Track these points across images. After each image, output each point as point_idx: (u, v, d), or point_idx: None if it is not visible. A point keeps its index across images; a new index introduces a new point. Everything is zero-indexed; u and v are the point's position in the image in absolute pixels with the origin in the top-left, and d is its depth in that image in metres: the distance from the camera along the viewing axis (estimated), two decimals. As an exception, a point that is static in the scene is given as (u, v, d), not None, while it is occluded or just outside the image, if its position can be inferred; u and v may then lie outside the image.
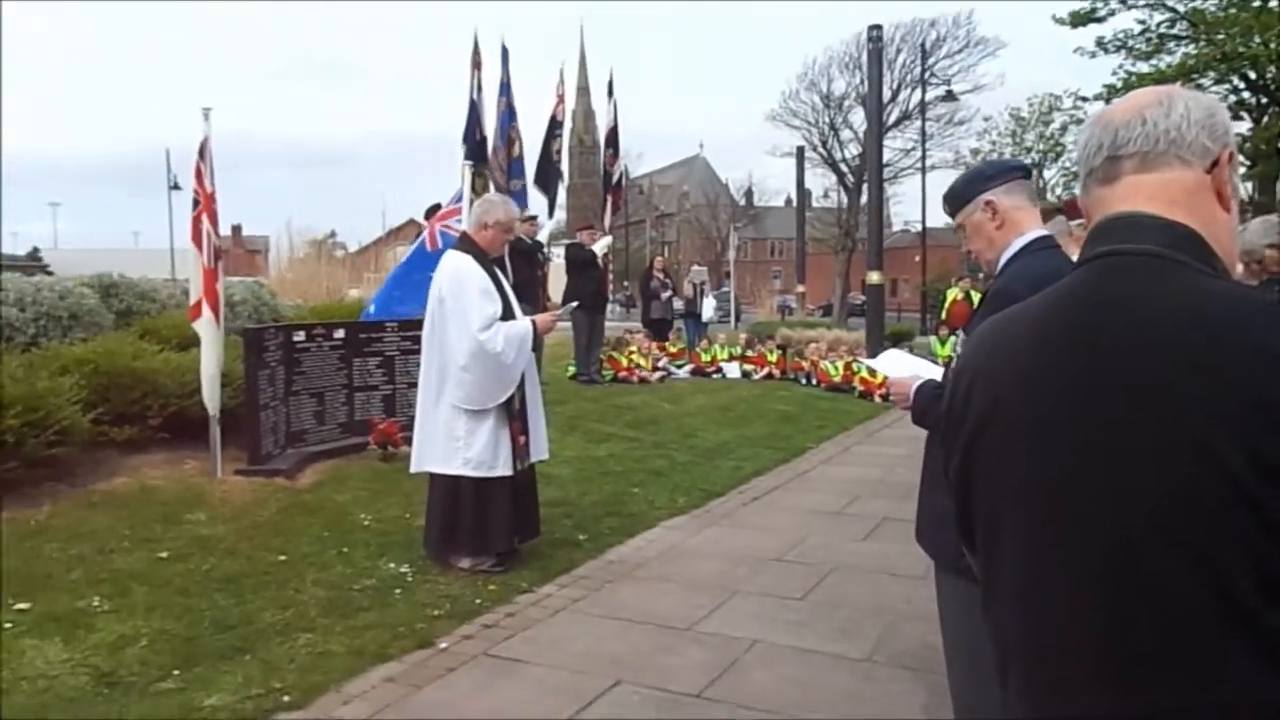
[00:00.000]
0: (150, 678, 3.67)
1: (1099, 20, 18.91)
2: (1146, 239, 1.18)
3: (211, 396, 6.26)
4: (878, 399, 11.93)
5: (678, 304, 15.96)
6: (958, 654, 2.66)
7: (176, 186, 40.34)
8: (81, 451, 5.89)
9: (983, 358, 1.34)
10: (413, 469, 5.27)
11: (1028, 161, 34.81)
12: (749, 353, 14.77)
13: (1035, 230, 2.56)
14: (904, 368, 2.89)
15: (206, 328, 6.31)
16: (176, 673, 3.72)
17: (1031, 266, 2.48)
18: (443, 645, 4.12)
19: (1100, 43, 19.22)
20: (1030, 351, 1.23)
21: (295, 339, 7.38)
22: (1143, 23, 18.73)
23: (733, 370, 14.19)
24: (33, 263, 35.93)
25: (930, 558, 2.70)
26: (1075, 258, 3.34)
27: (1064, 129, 34.69)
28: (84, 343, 6.87)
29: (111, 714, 3.39)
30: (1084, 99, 23.88)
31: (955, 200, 2.66)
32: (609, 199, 14.68)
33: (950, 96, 31.02)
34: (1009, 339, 1.30)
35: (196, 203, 6.47)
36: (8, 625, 4.03)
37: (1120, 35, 18.97)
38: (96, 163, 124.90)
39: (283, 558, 5.07)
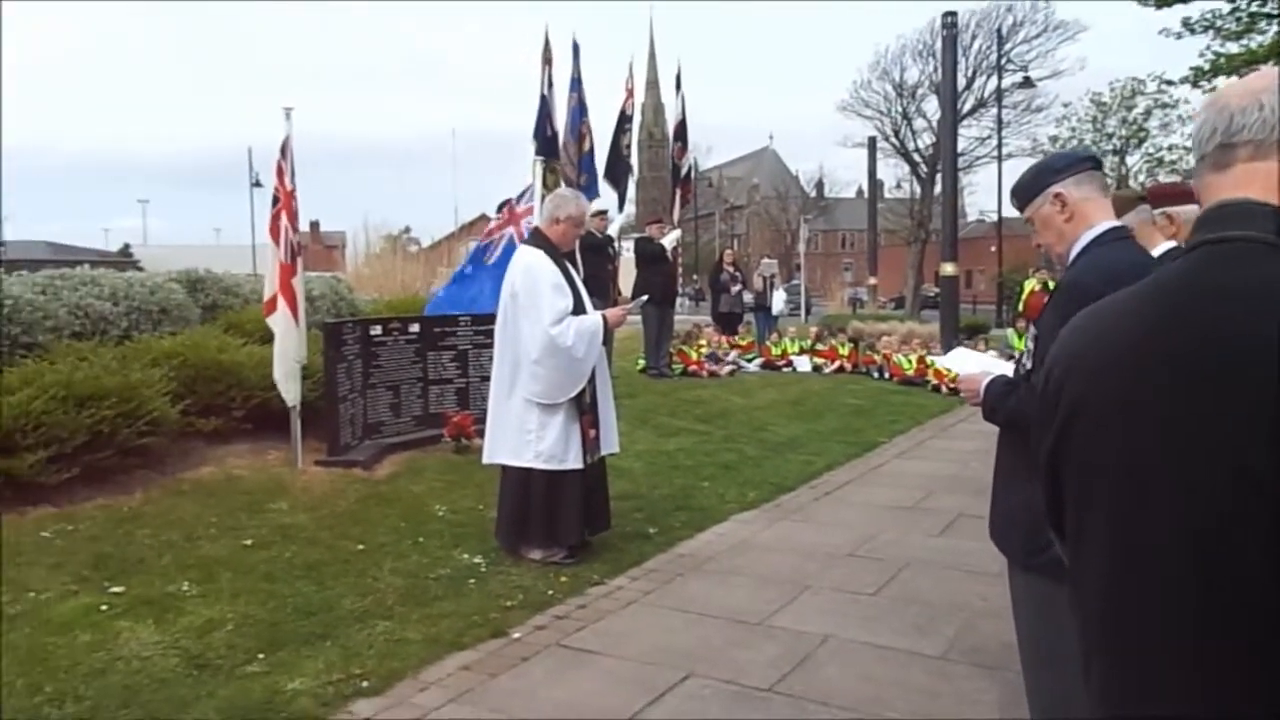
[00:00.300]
0: (236, 661, 3.80)
1: (1185, 0, 18.25)
2: (1257, 226, 1.15)
3: (287, 390, 6.43)
4: (944, 390, 11.76)
5: (747, 297, 15.88)
6: (1032, 652, 2.62)
7: (258, 184, 41.54)
8: (170, 441, 6.12)
9: (1079, 343, 1.32)
10: (485, 460, 5.36)
11: (1110, 148, 34.00)
12: (819, 346, 14.64)
13: (1106, 221, 2.51)
14: (974, 364, 2.85)
15: (281, 322, 6.47)
16: (261, 656, 3.84)
17: (1104, 257, 2.44)
18: (516, 635, 4.19)
19: (1187, 23, 18.52)
20: (1131, 337, 1.21)
21: (372, 333, 7.54)
22: (1232, 1, 18.01)
23: (803, 364, 14.07)
24: (124, 259, 37.30)
25: (1003, 555, 2.66)
26: (1159, 247, 3.27)
27: (1148, 113, 33.69)
28: (173, 336, 7.12)
29: (201, 695, 3.52)
30: (1169, 82, 23.20)
31: (1024, 194, 2.62)
32: (677, 192, 14.66)
33: (1028, 83, 30.18)
34: (1108, 325, 1.28)
35: (276, 200, 6.65)
36: (103, 608, 4.21)
37: (1208, 15, 18.27)
38: (182, 161, 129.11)
39: (361, 547, 5.20)
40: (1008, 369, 2.77)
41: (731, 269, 15.60)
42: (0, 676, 3.53)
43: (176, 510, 5.53)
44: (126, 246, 55.35)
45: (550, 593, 4.70)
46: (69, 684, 3.53)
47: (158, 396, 5.88)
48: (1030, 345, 2.57)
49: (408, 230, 21.34)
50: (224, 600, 4.37)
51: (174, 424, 6.04)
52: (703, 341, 13.66)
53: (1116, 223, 2.54)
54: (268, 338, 7.34)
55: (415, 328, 7.91)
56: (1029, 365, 2.52)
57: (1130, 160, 34.95)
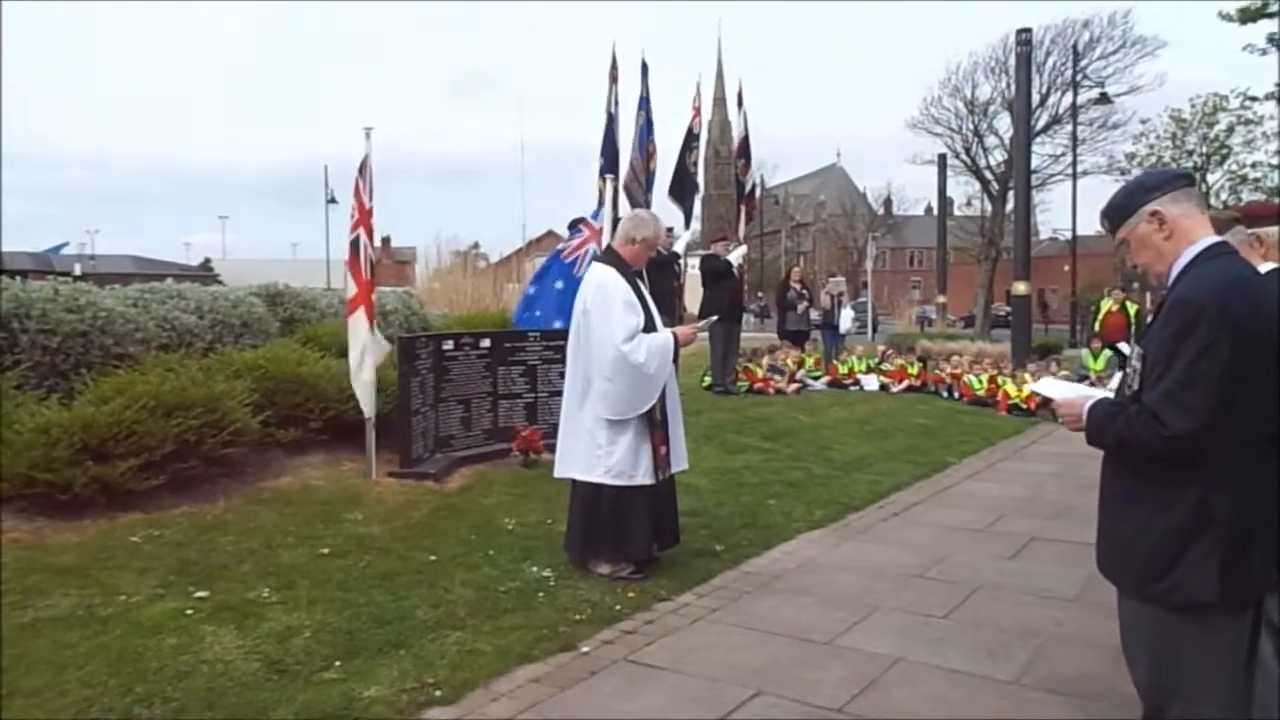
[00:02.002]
0: (314, 667, 3.90)
1: (1270, 15, 17.72)
2: None
3: (366, 397, 6.59)
4: (1006, 413, 11.59)
5: (814, 315, 15.79)
6: (1152, 684, 2.51)
7: (333, 200, 42.62)
8: (251, 451, 6.32)
9: None
10: (556, 474, 5.42)
11: (1190, 165, 33.06)
12: (885, 365, 14.48)
13: (1208, 237, 2.46)
14: (1067, 389, 2.81)
15: (361, 331, 6.62)
16: (338, 663, 3.93)
17: (1212, 271, 2.39)
18: (584, 649, 4.22)
19: (1272, 39, 17.98)
20: None
21: (445, 347, 7.69)
22: (1320, 18, 17.51)
23: (870, 383, 13.94)
24: (205, 273, 38.53)
25: (1112, 583, 2.59)
26: (1260, 267, 3.18)
27: (1230, 130, 32.58)
28: (254, 349, 7.36)
29: (281, 700, 3.61)
30: (1253, 98, 22.50)
31: (1117, 214, 2.57)
32: (742, 209, 14.70)
33: (1104, 99, 29.55)
34: None
35: (354, 217, 6.83)
36: (189, 611, 4.35)
37: (1294, 31, 17.76)
38: (259, 177, 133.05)
39: (433, 558, 5.29)
40: (1106, 393, 2.71)
41: (799, 286, 15.53)
42: (0, 678, 3.68)
43: (257, 518, 5.70)
44: (207, 261, 57.23)
45: (618, 608, 4.73)
46: (157, 685, 3.65)
47: (240, 408, 6.08)
48: (1137, 364, 2.50)
49: (476, 246, 21.67)
50: (302, 607, 4.49)
51: (255, 434, 6.23)
52: (767, 358, 13.61)
53: (1219, 238, 2.49)
54: (343, 351, 7.53)
55: (486, 343, 8.04)
56: (1136, 386, 2.46)
57: (1212, 178, 33.84)
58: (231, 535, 5.39)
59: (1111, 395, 2.63)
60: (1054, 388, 2.89)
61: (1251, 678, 2.54)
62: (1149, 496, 2.42)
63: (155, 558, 4.96)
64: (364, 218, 6.80)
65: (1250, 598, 2.42)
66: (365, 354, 6.59)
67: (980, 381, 13.17)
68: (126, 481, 5.35)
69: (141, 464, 5.41)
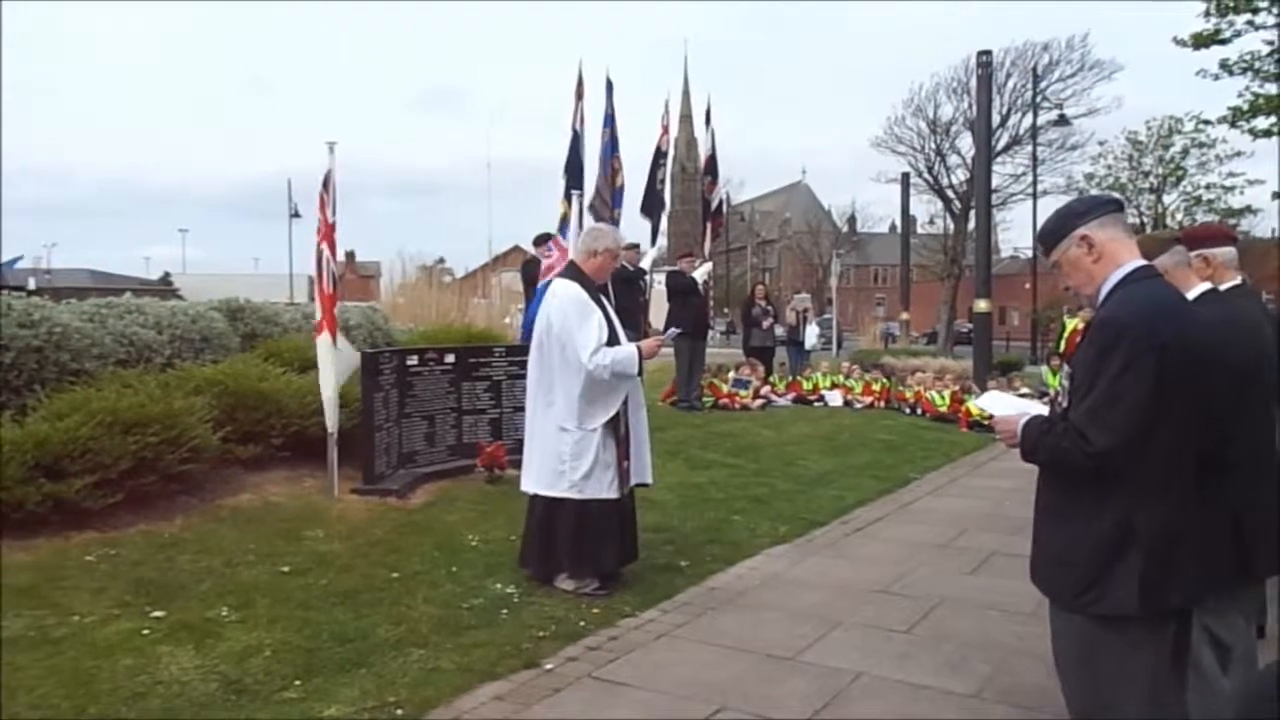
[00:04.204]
0: (274, 687, 3.85)
1: (1223, 42, 18.15)
2: None
3: (329, 413, 6.54)
4: (967, 429, 11.75)
5: (780, 331, 15.87)
6: (1077, 695, 2.60)
7: (297, 214, 42.29)
8: (211, 468, 6.23)
9: None
10: (523, 488, 5.40)
11: (1146, 186, 33.75)
12: (849, 381, 14.58)
13: (1134, 261, 2.56)
14: (1008, 405, 2.87)
15: (325, 347, 6.59)
16: (298, 683, 3.88)
17: (1136, 294, 2.49)
18: (548, 666, 4.20)
19: (1224, 64, 18.41)
20: None
21: (409, 363, 7.64)
22: (1271, 43, 17.92)
23: (834, 398, 14.04)
24: (165, 287, 37.98)
25: (1046, 596, 2.66)
26: (1195, 289, 3.30)
27: (1185, 152, 33.42)
28: (214, 364, 7.26)
29: None
30: (1206, 121, 23.04)
31: (1050, 237, 2.68)
32: (708, 226, 14.77)
33: (1063, 121, 30.05)
34: None
35: (319, 231, 6.80)
36: (145, 631, 4.28)
37: (1247, 56, 18.17)
38: (221, 191, 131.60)
39: (395, 575, 5.25)
40: (1042, 409, 2.78)
41: (764, 303, 15.62)
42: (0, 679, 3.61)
43: (216, 536, 5.62)
44: (167, 275, 56.40)
45: (582, 624, 4.72)
46: (111, 707, 3.59)
47: (199, 424, 6.00)
48: (1066, 383, 2.59)
49: (442, 261, 21.60)
50: (262, 626, 4.42)
51: (214, 451, 6.15)
52: (732, 373, 13.66)
53: (1144, 262, 2.58)
54: (306, 366, 7.48)
55: (450, 358, 8.00)
56: (1065, 403, 2.54)
57: (1168, 199, 34.66)
58: (190, 554, 5.31)
59: (1045, 413, 2.70)
60: (996, 404, 2.94)
61: (1177, 689, 2.60)
62: (1078, 511, 2.50)
63: (111, 577, 4.87)
64: (327, 231, 6.77)
65: (1169, 610, 2.50)
66: (331, 367, 6.54)
67: (942, 398, 13.32)
68: (82, 499, 5.24)
69: (97, 481, 5.31)
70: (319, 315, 6.71)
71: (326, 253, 6.76)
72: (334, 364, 6.57)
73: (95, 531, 5.37)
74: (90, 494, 5.28)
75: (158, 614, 4.48)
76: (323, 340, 6.61)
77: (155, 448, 5.60)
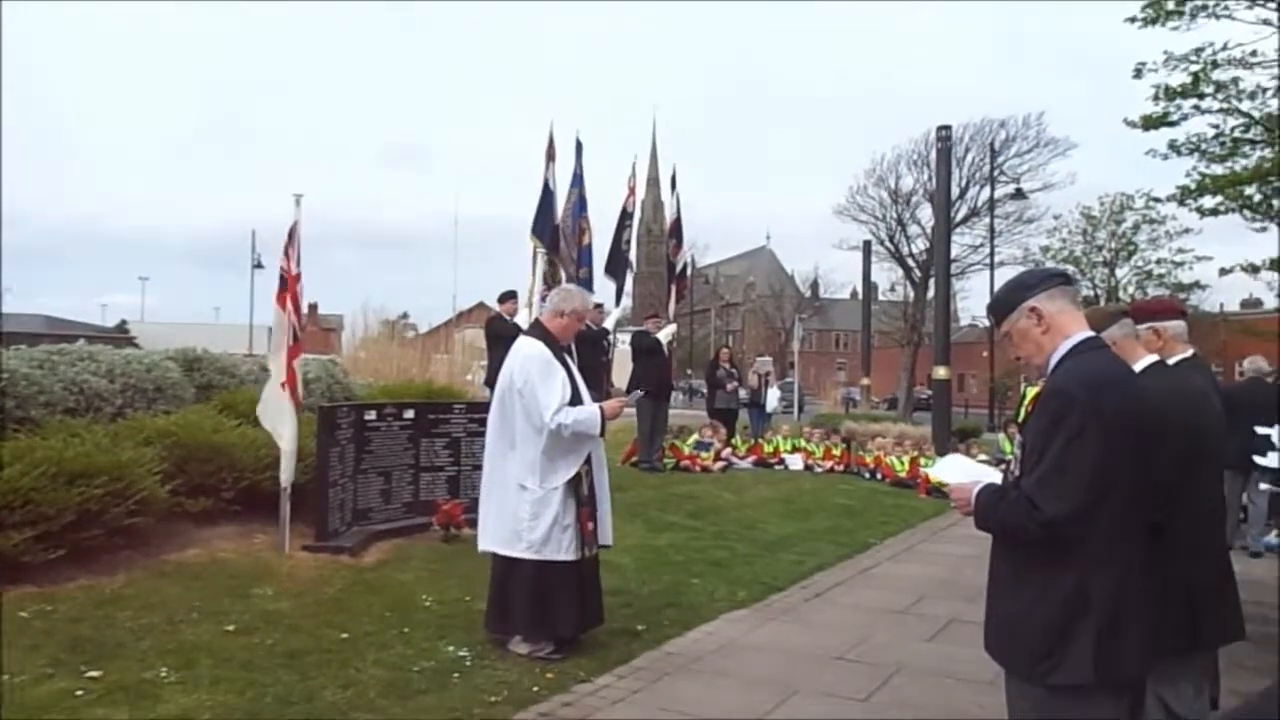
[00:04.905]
0: (212, 751, 3.71)
1: (1171, 124, 18.79)
2: None
3: (287, 467, 6.42)
4: (926, 495, 11.82)
5: (742, 394, 15.95)
6: None
7: (260, 265, 42.04)
8: (158, 522, 6.07)
9: None
10: (480, 548, 5.31)
11: (1100, 259, 34.62)
12: (810, 445, 14.63)
13: (1081, 332, 2.62)
14: (964, 472, 2.89)
15: (279, 403, 6.51)
16: (238, 747, 3.75)
17: (1084, 365, 2.54)
18: (499, 732, 4.09)
19: (1173, 145, 19.03)
20: None
21: (367, 417, 7.55)
22: (1216, 127, 18.60)
23: (795, 462, 14.06)
24: (121, 334, 37.40)
25: (1000, 665, 2.65)
26: (1142, 361, 3.36)
27: (1136, 228, 34.44)
28: (167, 415, 7.12)
29: (173, 786, 3.42)
30: (1157, 199, 23.75)
31: (1000, 308, 2.73)
32: (673, 288, 14.88)
33: (1019, 194, 30.89)
34: None
35: (283, 282, 6.74)
36: (79, 692, 4.11)
37: (1193, 138, 18.83)
38: (183, 239, 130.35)
39: (345, 636, 5.11)
40: (997, 476, 2.80)
41: (728, 366, 15.71)
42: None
43: (159, 593, 5.45)
44: (123, 323, 55.57)
45: (536, 689, 4.61)
46: (38, 771, 3.43)
47: (148, 476, 5.86)
48: (1018, 452, 2.61)
49: (406, 316, 21.53)
50: (203, 688, 4.27)
51: (163, 504, 6.00)
52: (694, 435, 13.66)
53: (1091, 333, 2.64)
54: (261, 419, 7.35)
55: (409, 414, 7.93)
56: (1018, 472, 2.56)
57: (1120, 272, 35.61)
58: (131, 610, 5.14)
59: (1000, 481, 2.72)
60: (951, 471, 2.96)
61: None
62: (1031, 580, 2.51)
63: (46, 634, 4.69)
64: (291, 284, 6.72)
65: (1124, 680, 2.51)
66: (289, 421, 6.45)
67: (902, 463, 13.39)
68: (21, 553, 5.07)
69: (39, 534, 5.14)
70: (283, 371, 6.61)
71: (290, 306, 6.70)
72: (290, 417, 6.47)
73: (33, 586, 5.18)
74: (30, 548, 5.11)
75: (93, 674, 4.31)
76: (283, 393, 6.53)
77: (101, 500, 5.45)
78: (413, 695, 4.40)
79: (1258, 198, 18.61)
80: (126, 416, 7.05)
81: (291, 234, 6.76)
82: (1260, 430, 6.37)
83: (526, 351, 5.18)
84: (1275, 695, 1.79)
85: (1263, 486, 8.22)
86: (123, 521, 5.61)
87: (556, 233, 11.78)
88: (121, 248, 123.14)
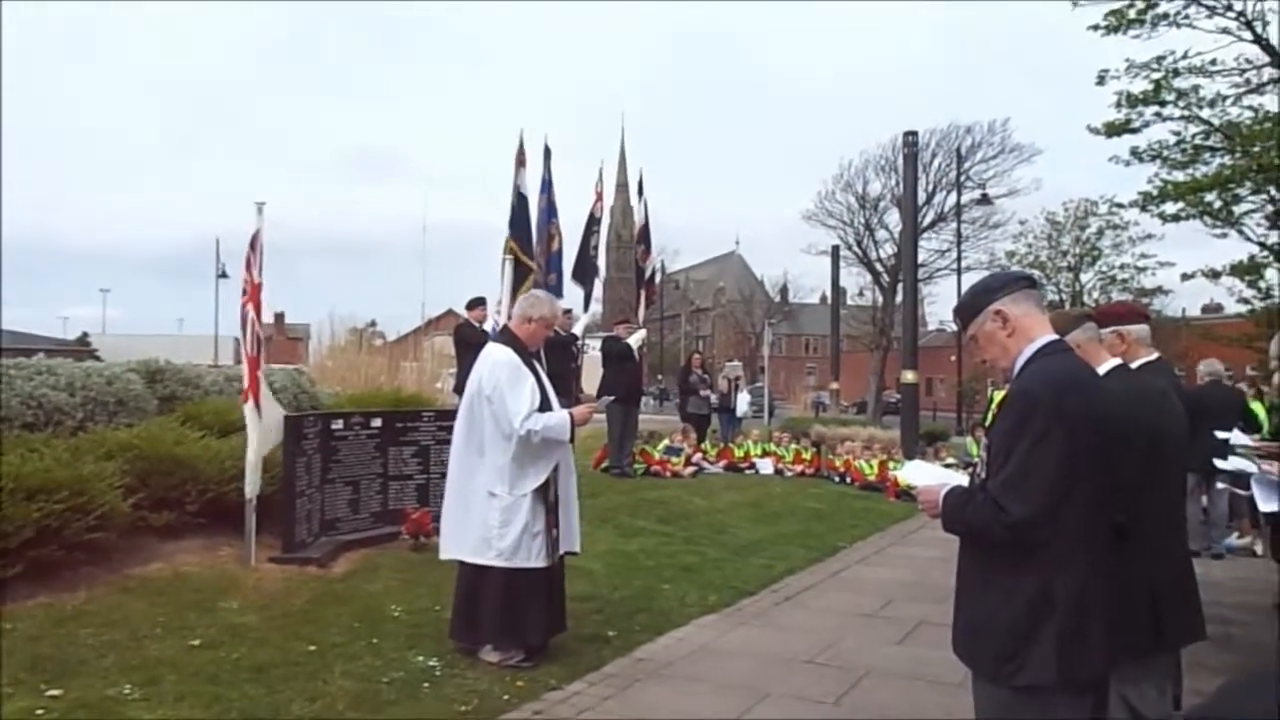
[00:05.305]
0: (176, 768, 3.65)
1: (1133, 131, 19.07)
2: None
3: (250, 477, 6.35)
4: (895, 499, 11.91)
5: (713, 399, 16.00)
6: None
7: (224, 275, 41.58)
8: (120, 536, 5.96)
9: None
10: (442, 556, 5.28)
11: (1064, 264, 35.06)
12: (780, 450, 14.68)
13: (1046, 335, 2.64)
14: (931, 476, 2.91)
15: (249, 413, 6.46)
16: (202, 764, 3.69)
17: (1047, 368, 2.56)
18: (469, 743, 4.07)
19: (1135, 152, 19.32)
20: None
21: (333, 427, 7.48)
22: (1177, 134, 18.90)
23: (765, 466, 14.10)
24: (82, 348, 36.82)
25: (967, 666, 2.66)
26: (1105, 364, 3.41)
27: (1100, 233, 34.93)
28: (129, 428, 7.01)
29: (136, 804, 3.36)
30: (1120, 205, 24.10)
31: (966, 312, 2.75)
32: (642, 294, 14.90)
33: (985, 200, 31.27)
34: None
35: (245, 291, 6.67)
36: (39, 712, 4.03)
37: (1155, 145, 19.11)
38: (146, 250, 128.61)
39: (312, 648, 5.05)
40: (963, 479, 2.82)
41: (700, 371, 15.76)
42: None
43: (122, 609, 5.36)
44: (84, 335, 54.70)
45: (506, 698, 4.59)
46: (-4, 792, 3.36)
47: (110, 490, 5.76)
48: (984, 454, 2.63)
49: (373, 324, 21.30)
50: (167, 704, 4.21)
51: (125, 518, 5.90)
52: (665, 441, 13.67)
53: (1056, 336, 2.67)
54: (226, 430, 7.28)
55: (377, 422, 7.87)
56: (984, 474, 2.58)
57: (1085, 277, 36.08)
58: (93, 627, 5.05)
59: (966, 484, 2.74)
60: (918, 474, 2.98)
61: None
62: (998, 582, 2.52)
63: (5, 653, 4.59)
64: (254, 293, 6.65)
65: (1087, 680, 2.52)
66: (257, 432, 6.39)
67: (871, 467, 13.47)
68: (-23, 570, 4.97)
69: (-5, 550, 5.04)
70: (245, 380, 6.56)
71: (252, 314, 6.64)
72: (259, 428, 6.41)
73: (-10, 603, 5.08)
74: (-13, 564, 5.01)
75: (54, 693, 4.23)
76: (249, 407, 6.47)
77: (61, 515, 5.34)
78: (382, 706, 4.36)
79: (1218, 204, 18.93)
80: (87, 430, 6.94)
81: (254, 242, 6.69)
82: (1220, 434, 6.48)
83: (495, 358, 5.16)
84: (1231, 689, 1.82)
85: (1220, 486, 8.35)
86: (83, 536, 5.50)
87: (529, 239, 11.73)
88: (81, 260, 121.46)
